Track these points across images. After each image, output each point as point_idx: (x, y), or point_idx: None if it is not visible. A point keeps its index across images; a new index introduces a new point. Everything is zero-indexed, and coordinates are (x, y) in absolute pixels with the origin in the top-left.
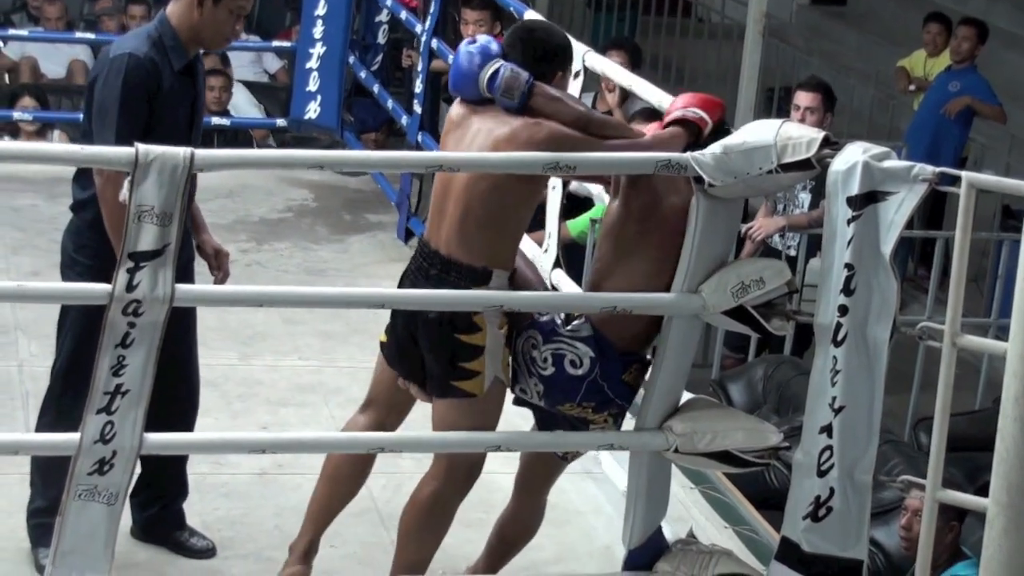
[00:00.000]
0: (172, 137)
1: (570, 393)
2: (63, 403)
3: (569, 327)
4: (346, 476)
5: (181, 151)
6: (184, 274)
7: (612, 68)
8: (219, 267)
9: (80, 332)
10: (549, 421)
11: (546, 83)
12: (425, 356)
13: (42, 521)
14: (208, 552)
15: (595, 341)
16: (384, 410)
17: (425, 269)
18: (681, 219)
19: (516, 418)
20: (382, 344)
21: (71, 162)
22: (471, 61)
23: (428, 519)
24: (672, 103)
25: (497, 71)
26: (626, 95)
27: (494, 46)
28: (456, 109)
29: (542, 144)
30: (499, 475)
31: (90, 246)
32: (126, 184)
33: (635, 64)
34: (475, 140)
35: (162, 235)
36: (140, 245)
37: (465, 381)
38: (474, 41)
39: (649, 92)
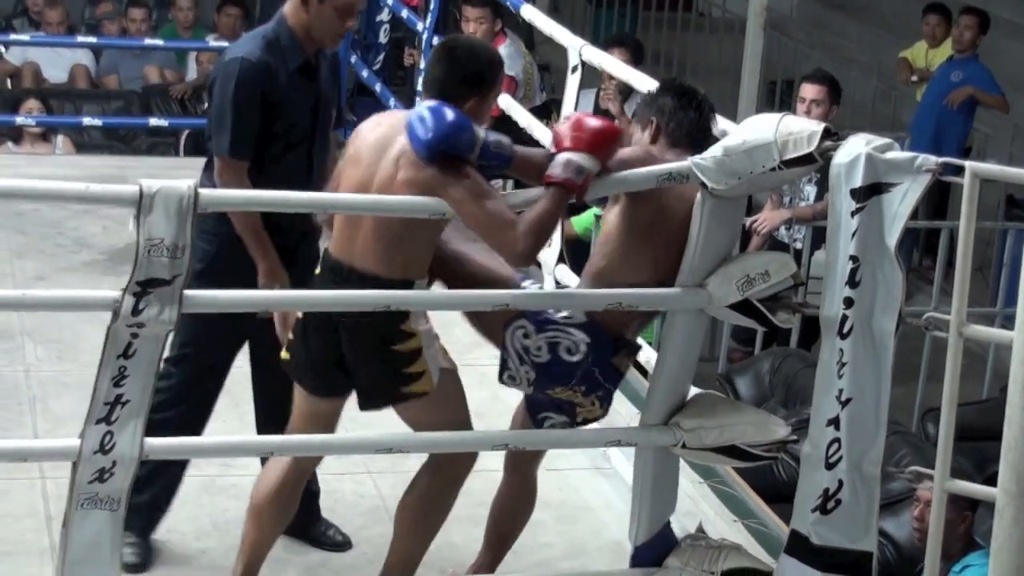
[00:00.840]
0: (294, 135)
1: (564, 378)
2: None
3: (563, 314)
4: (271, 519)
5: (185, 185)
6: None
7: (610, 62)
8: None
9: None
10: (535, 403)
11: (458, 106)
12: (361, 374)
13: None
14: (344, 546)
15: (589, 327)
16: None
17: (338, 285)
18: (682, 223)
19: (511, 398)
20: (289, 369)
21: (79, 200)
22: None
23: (424, 513)
24: (558, 136)
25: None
26: (627, 95)
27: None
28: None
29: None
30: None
31: (210, 231)
32: (131, 219)
33: (637, 61)
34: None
35: (172, 267)
36: (150, 274)
37: (414, 384)
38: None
39: (643, 84)
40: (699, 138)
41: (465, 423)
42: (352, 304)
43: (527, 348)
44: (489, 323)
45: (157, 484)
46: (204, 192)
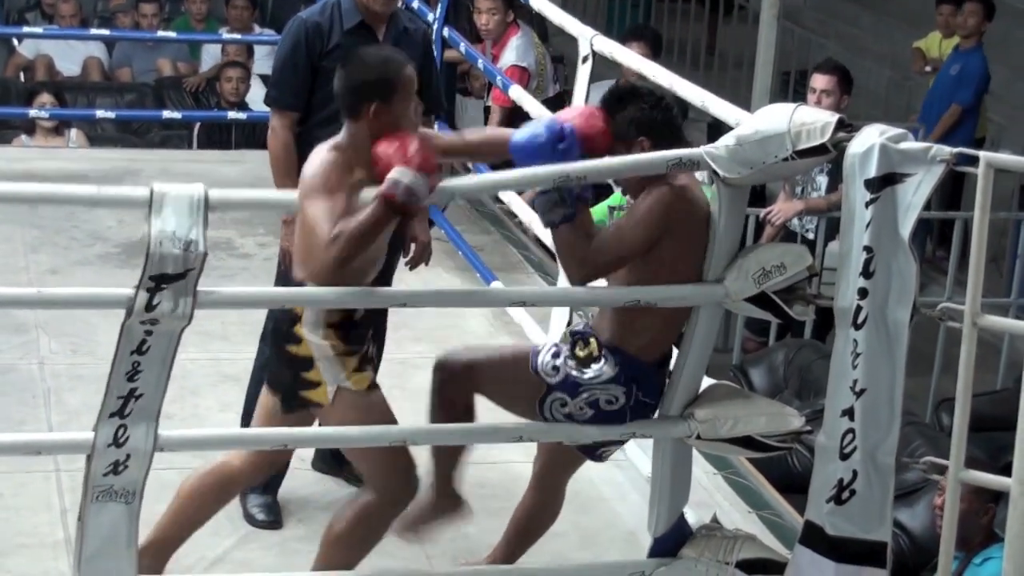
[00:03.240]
0: None
1: (616, 421)
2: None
3: (589, 374)
4: (206, 501)
5: (194, 191)
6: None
7: (621, 52)
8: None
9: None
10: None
11: (357, 116)
12: (271, 366)
13: None
14: None
15: (623, 373)
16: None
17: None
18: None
19: None
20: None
21: (90, 203)
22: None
23: (357, 530)
24: (382, 153)
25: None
26: None
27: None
28: None
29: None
30: (518, 464)
31: None
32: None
33: (656, 54)
34: None
35: (185, 260)
36: (162, 269)
37: (310, 391)
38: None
39: (661, 77)
40: (680, 131)
41: (386, 448)
42: (355, 303)
43: (570, 415)
44: (509, 397)
45: None
46: (213, 193)
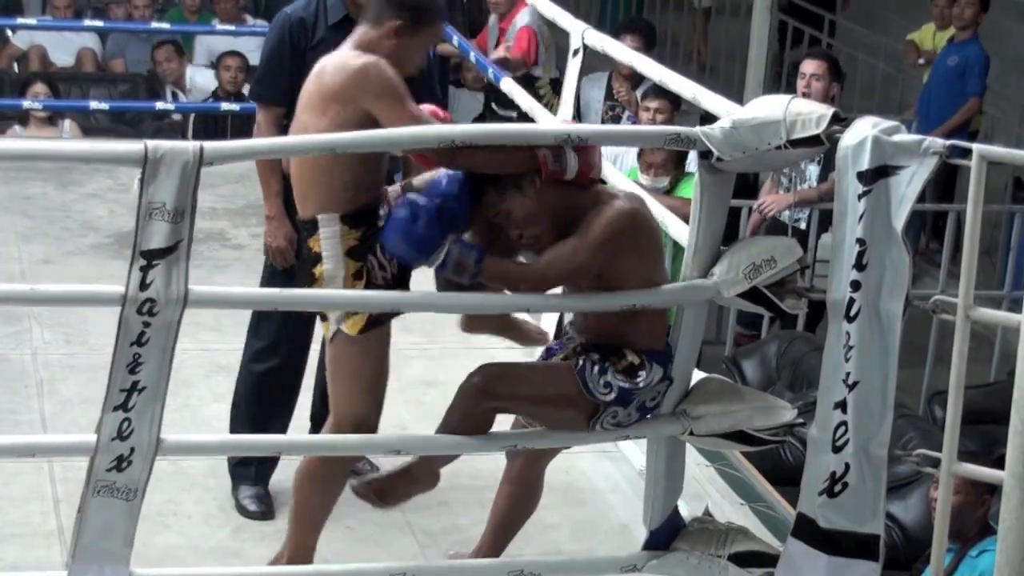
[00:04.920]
0: None
1: (655, 411)
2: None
3: (642, 381)
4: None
5: (190, 146)
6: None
7: (612, 46)
8: None
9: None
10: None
11: (377, 24)
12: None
13: (239, 468)
14: None
15: (664, 367)
16: None
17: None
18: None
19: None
20: None
21: (81, 159)
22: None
23: (315, 473)
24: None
25: (448, 253)
26: (638, 81)
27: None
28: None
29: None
30: None
31: None
32: (136, 181)
33: (649, 47)
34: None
35: (174, 232)
36: (152, 243)
37: (323, 323)
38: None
39: (651, 70)
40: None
41: (368, 388)
42: (358, 305)
43: (619, 423)
44: (553, 420)
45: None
46: (208, 146)
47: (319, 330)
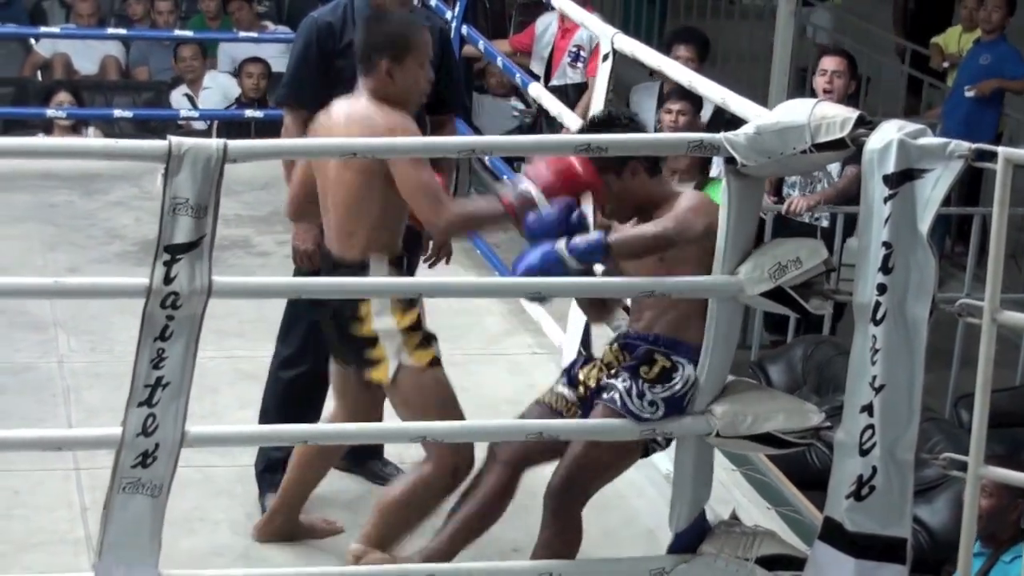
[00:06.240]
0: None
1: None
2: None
3: (678, 384)
4: (314, 464)
5: (214, 143)
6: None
7: (642, 51)
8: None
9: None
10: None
11: (369, 72)
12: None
13: (265, 475)
14: None
15: (695, 367)
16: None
17: (328, 274)
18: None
19: (546, 385)
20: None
21: (107, 156)
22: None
23: (413, 498)
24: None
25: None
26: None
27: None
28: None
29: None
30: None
31: None
32: (159, 176)
33: (702, 59)
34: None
35: (197, 227)
36: (176, 238)
37: (373, 369)
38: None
39: (678, 73)
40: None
41: (453, 414)
42: (361, 291)
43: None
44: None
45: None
46: (231, 143)
47: None
